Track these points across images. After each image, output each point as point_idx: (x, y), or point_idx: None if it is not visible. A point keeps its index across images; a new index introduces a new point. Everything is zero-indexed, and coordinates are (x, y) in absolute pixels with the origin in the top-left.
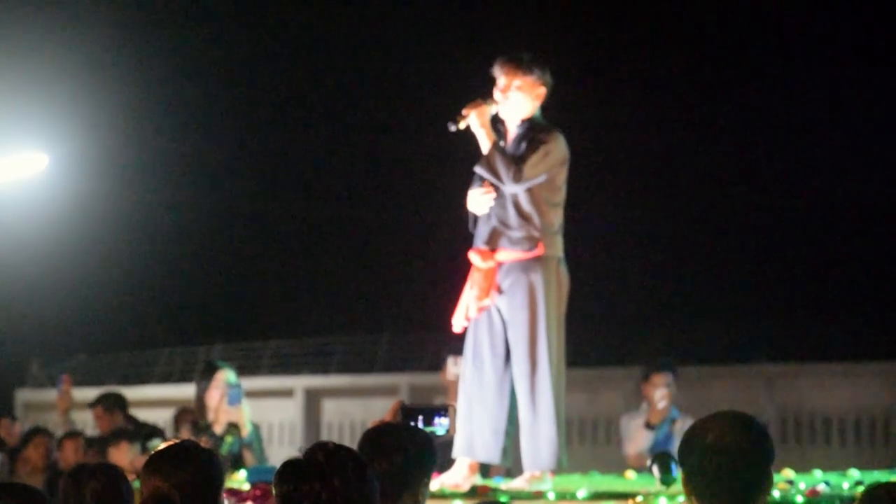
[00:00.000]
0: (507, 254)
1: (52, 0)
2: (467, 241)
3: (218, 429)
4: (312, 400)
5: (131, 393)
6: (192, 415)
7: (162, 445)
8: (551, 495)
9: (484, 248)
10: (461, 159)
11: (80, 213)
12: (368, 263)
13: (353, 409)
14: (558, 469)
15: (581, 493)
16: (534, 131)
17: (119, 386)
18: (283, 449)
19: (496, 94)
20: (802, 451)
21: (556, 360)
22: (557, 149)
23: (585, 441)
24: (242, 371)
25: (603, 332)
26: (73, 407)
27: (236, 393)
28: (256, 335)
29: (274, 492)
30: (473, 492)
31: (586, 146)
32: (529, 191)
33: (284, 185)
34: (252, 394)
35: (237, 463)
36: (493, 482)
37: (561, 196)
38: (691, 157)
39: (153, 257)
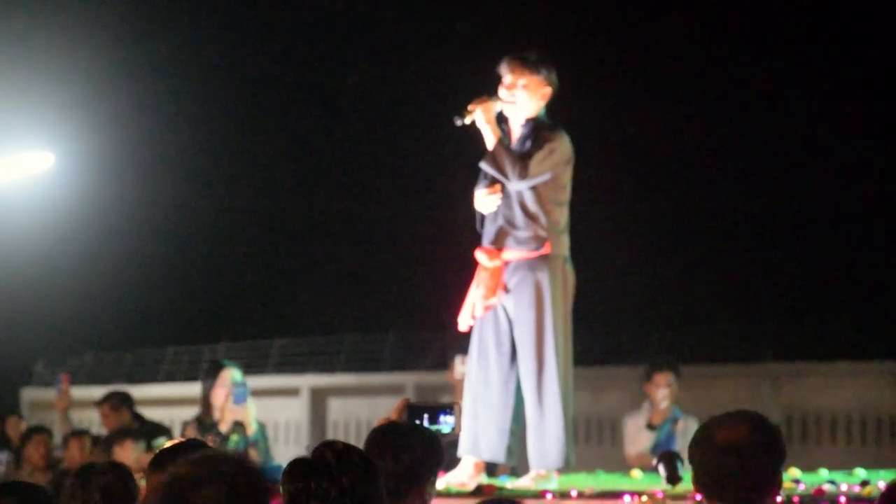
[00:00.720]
0: (514, 253)
1: (57, 1)
2: (474, 240)
3: (224, 427)
4: (318, 399)
5: (137, 392)
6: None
7: (167, 444)
8: (555, 494)
9: (490, 247)
10: (468, 157)
11: (86, 211)
12: (374, 262)
13: (359, 407)
14: (565, 468)
15: (587, 492)
16: (538, 130)
17: (125, 384)
18: (288, 448)
19: (502, 92)
20: (808, 450)
21: (563, 358)
22: (562, 147)
23: (591, 440)
24: (248, 370)
25: (608, 330)
26: (74, 406)
27: (242, 392)
28: (262, 334)
29: (282, 490)
30: (479, 490)
31: (591, 145)
32: (535, 190)
33: (291, 183)
34: (258, 392)
35: None
36: (499, 481)
37: (566, 195)
38: (696, 157)
39: (159, 256)
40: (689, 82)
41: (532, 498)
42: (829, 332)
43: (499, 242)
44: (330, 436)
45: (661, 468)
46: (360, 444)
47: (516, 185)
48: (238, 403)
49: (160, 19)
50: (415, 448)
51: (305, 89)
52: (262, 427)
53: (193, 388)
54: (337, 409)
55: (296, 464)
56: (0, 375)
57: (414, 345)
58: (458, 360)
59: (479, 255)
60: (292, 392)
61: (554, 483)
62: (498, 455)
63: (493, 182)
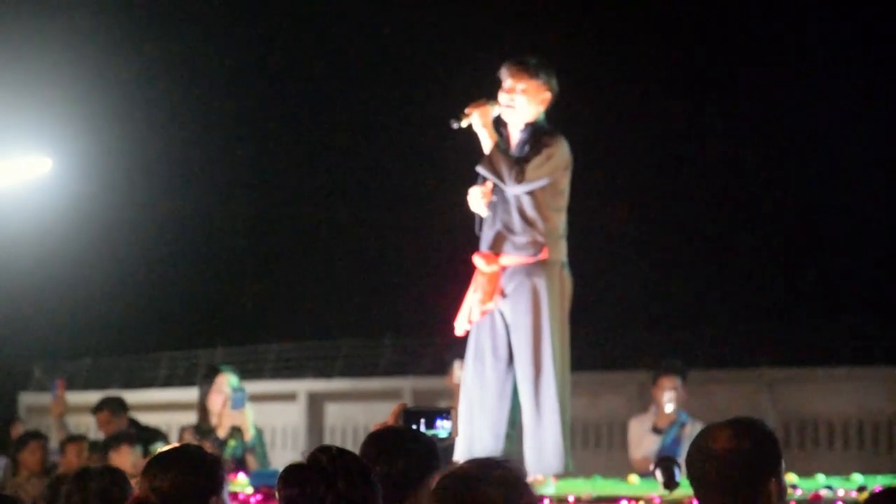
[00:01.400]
0: (511, 258)
1: (55, 4)
2: (471, 245)
3: (221, 433)
4: (315, 404)
5: (134, 396)
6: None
7: (163, 448)
8: (553, 500)
9: (488, 252)
10: (465, 163)
11: (84, 216)
12: (371, 267)
13: (356, 412)
14: (563, 473)
15: (584, 498)
16: (537, 135)
17: (122, 389)
18: (285, 453)
19: (501, 96)
20: (805, 455)
21: (560, 364)
22: (560, 152)
23: (588, 445)
24: (245, 375)
25: (605, 335)
26: (71, 411)
27: (240, 397)
28: (259, 338)
29: (277, 496)
30: None
31: (589, 150)
32: (533, 195)
33: (288, 188)
34: (255, 397)
35: (240, 467)
36: None
37: (564, 200)
38: (693, 161)
39: (156, 261)
40: (692, 83)
41: None
42: (826, 337)
43: (496, 247)
44: (327, 441)
45: (659, 473)
46: (357, 450)
47: (512, 190)
48: (236, 408)
49: (158, 24)
50: (411, 453)
51: (304, 95)
52: (259, 432)
53: (190, 393)
54: (334, 414)
55: (291, 469)
56: None
57: (411, 350)
58: (456, 365)
59: (477, 260)
60: (289, 397)
61: (552, 488)
62: None
63: (486, 182)
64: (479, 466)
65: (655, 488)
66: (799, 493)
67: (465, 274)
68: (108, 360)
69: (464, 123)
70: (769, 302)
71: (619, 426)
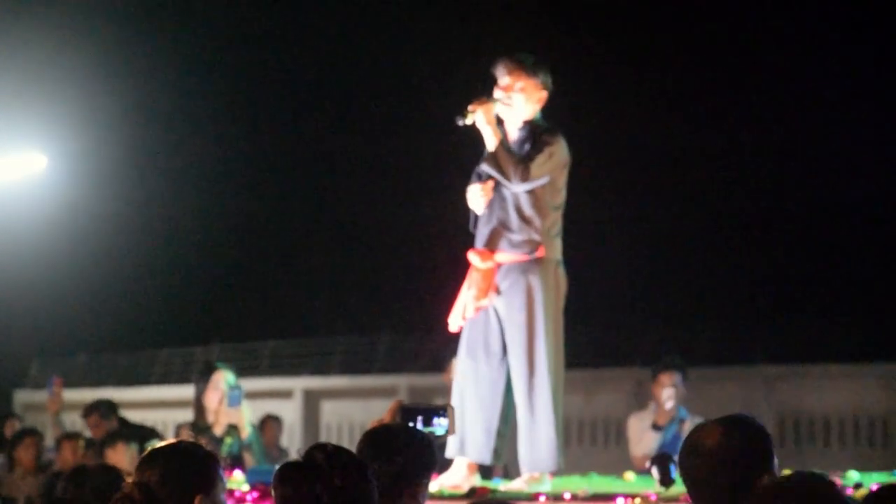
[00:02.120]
0: (507, 255)
1: (50, 2)
2: (467, 242)
3: (218, 430)
4: (311, 401)
5: (131, 394)
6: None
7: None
8: (548, 497)
9: (483, 248)
10: (461, 159)
11: (79, 213)
12: (367, 264)
13: (353, 410)
14: (556, 470)
15: (580, 495)
16: (536, 133)
17: (118, 387)
18: None
19: (498, 93)
20: (801, 452)
21: (554, 361)
22: (561, 151)
23: (584, 442)
24: (241, 372)
25: (601, 333)
26: (67, 408)
27: (237, 394)
28: (255, 336)
29: (273, 494)
30: (472, 493)
31: (585, 145)
32: (532, 193)
33: (283, 185)
34: (251, 395)
35: (237, 464)
36: (492, 483)
37: (561, 199)
38: (691, 157)
39: (152, 258)
40: (689, 80)
41: (525, 500)
42: (822, 334)
43: (492, 244)
44: (323, 438)
45: (654, 471)
46: (354, 447)
47: (516, 188)
48: (233, 406)
49: (153, 21)
50: (408, 450)
51: (300, 92)
52: (256, 430)
53: (187, 391)
54: (330, 411)
55: (286, 467)
56: None
57: (407, 347)
58: (454, 361)
59: (472, 257)
60: (285, 394)
61: (547, 485)
62: (484, 456)
63: (487, 179)
64: None
65: (652, 485)
66: None
67: (461, 271)
68: (104, 357)
69: (468, 120)
70: (766, 299)
71: (616, 423)
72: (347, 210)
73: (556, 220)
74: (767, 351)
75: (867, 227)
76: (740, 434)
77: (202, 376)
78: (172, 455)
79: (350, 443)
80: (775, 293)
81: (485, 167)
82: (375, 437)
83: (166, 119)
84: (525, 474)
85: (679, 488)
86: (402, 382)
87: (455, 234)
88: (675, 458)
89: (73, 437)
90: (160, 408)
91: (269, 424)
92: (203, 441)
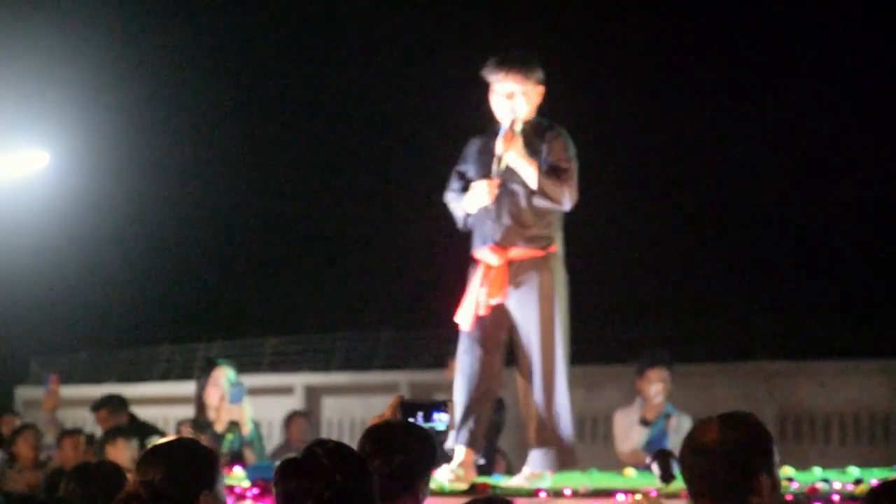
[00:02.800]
0: (521, 251)
1: None
2: (467, 238)
3: (219, 427)
4: (312, 397)
5: (131, 390)
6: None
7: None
8: (549, 493)
9: (496, 245)
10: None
11: (81, 210)
12: (369, 260)
13: (354, 406)
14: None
15: (581, 490)
16: (542, 132)
17: (119, 383)
18: None
19: (497, 100)
20: (802, 448)
21: (567, 358)
22: (571, 145)
23: (585, 438)
24: (242, 368)
25: (602, 328)
26: (69, 405)
27: (238, 391)
28: (256, 332)
29: (274, 490)
30: (473, 489)
31: (585, 140)
32: None
33: (284, 182)
34: (252, 391)
35: (237, 461)
36: (492, 479)
37: None
38: (691, 153)
39: (153, 254)
40: (683, 77)
41: (525, 497)
42: (823, 330)
43: (505, 241)
44: (324, 435)
45: (655, 466)
46: (355, 444)
47: (567, 208)
48: (234, 403)
49: (154, 18)
50: (409, 447)
51: (298, 90)
52: (257, 427)
53: (188, 387)
54: (331, 407)
55: (288, 464)
56: None
57: (408, 343)
58: (455, 358)
59: (487, 254)
60: (286, 391)
61: (548, 481)
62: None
63: (495, 177)
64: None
65: (652, 481)
66: (795, 486)
67: (463, 267)
68: (105, 354)
69: (502, 166)
70: (767, 295)
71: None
72: (349, 206)
73: (562, 214)
74: (768, 347)
75: (868, 223)
76: (741, 431)
77: (203, 373)
78: (176, 452)
79: (351, 439)
80: (776, 289)
81: (539, 201)
82: (376, 434)
83: (168, 117)
84: (526, 470)
85: (680, 484)
86: (403, 379)
87: (456, 230)
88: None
89: (73, 433)
90: (161, 404)
91: (295, 420)
92: (203, 438)
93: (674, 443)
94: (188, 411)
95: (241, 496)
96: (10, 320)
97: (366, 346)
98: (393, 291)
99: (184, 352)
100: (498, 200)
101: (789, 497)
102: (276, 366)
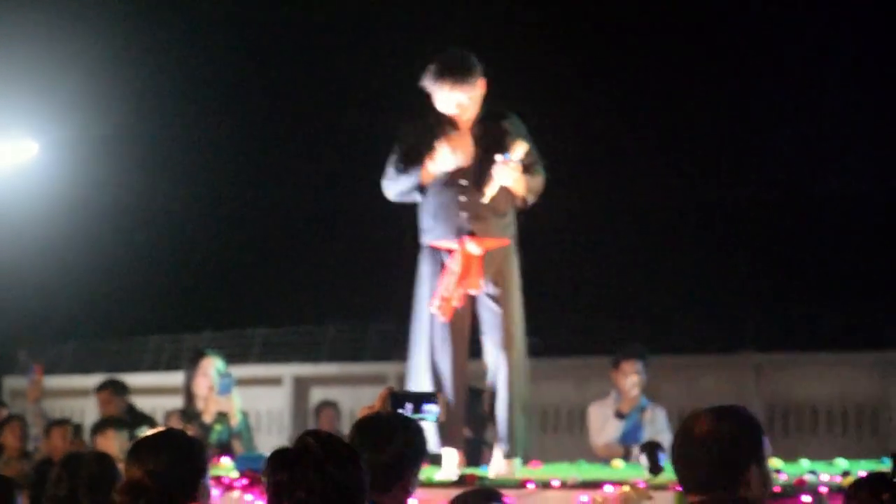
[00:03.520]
0: (495, 241)
1: None
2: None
3: (208, 417)
4: (301, 388)
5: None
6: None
7: (148, 433)
8: (537, 484)
9: (472, 235)
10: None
11: (70, 200)
12: (357, 251)
13: (342, 397)
14: (530, 455)
15: (569, 482)
16: (498, 122)
17: (107, 374)
18: (270, 437)
19: (444, 106)
20: (789, 440)
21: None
22: (528, 136)
23: (574, 430)
24: (231, 359)
25: (591, 321)
26: (54, 395)
27: (227, 382)
28: (245, 323)
29: (265, 481)
30: (462, 480)
31: (566, 133)
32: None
33: (272, 172)
34: (240, 382)
35: (226, 451)
36: (480, 470)
37: None
38: (677, 142)
39: (141, 245)
40: (663, 63)
41: (514, 488)
42: (811, 322)
43: (482, 230)
44: (312, 425)
45: (644, 458)
46: (343, 433)
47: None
48: (223, 394)
49: (147, 8)
50: (398, 440)
51: (287, 81)
52: (246, 417)
53: (176, 378)
54: (320, 398)
55: (279, 454)
56: None
57: (397, 335)
58: None
59: (469, 244)
60: (275, 381)
61: (520, 467)
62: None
63: (448, 135)
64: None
65: (640, 473)
66: (783, 478)
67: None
68: (93, 344)
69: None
70: (755, 287)
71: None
72: (338, 197)
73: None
74: (756, 339)
75: (856, 216)
76: (731, 423)
77: (191, 363)
78: (174, 443)
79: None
80: (764, 281)
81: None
82: (366, 427)
83: (157, 107)
84: (504, 459)
85: (668, 476)
86: (392, 370)
87: None
88: (641, 444)
89: (61, 423)
90: (150, 395)
91: (325, 411)
92: (189, 428)
93: (648, 434)
94: (177, 402)
95: (230, 487)
96: None
97: (355, 337)
98: (382, 282)
99: (172, 342)
100: (465, 190)
101: (777, 489)
102: (264, 356)
